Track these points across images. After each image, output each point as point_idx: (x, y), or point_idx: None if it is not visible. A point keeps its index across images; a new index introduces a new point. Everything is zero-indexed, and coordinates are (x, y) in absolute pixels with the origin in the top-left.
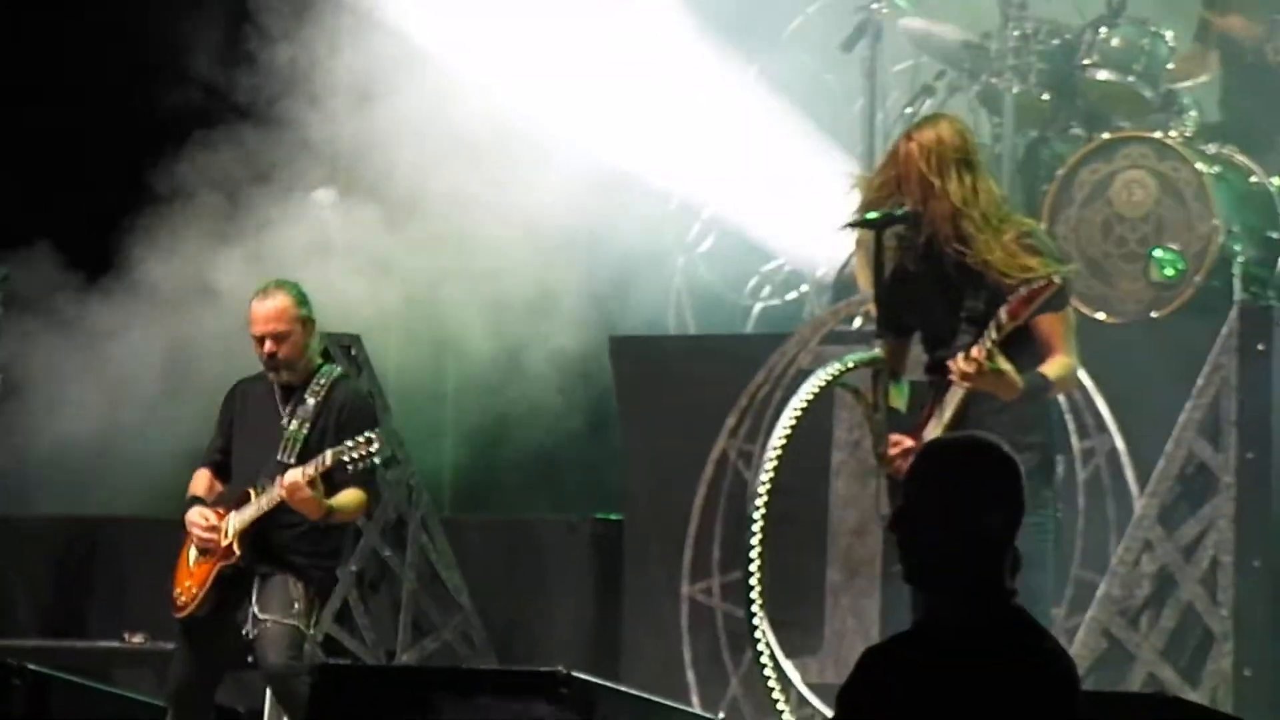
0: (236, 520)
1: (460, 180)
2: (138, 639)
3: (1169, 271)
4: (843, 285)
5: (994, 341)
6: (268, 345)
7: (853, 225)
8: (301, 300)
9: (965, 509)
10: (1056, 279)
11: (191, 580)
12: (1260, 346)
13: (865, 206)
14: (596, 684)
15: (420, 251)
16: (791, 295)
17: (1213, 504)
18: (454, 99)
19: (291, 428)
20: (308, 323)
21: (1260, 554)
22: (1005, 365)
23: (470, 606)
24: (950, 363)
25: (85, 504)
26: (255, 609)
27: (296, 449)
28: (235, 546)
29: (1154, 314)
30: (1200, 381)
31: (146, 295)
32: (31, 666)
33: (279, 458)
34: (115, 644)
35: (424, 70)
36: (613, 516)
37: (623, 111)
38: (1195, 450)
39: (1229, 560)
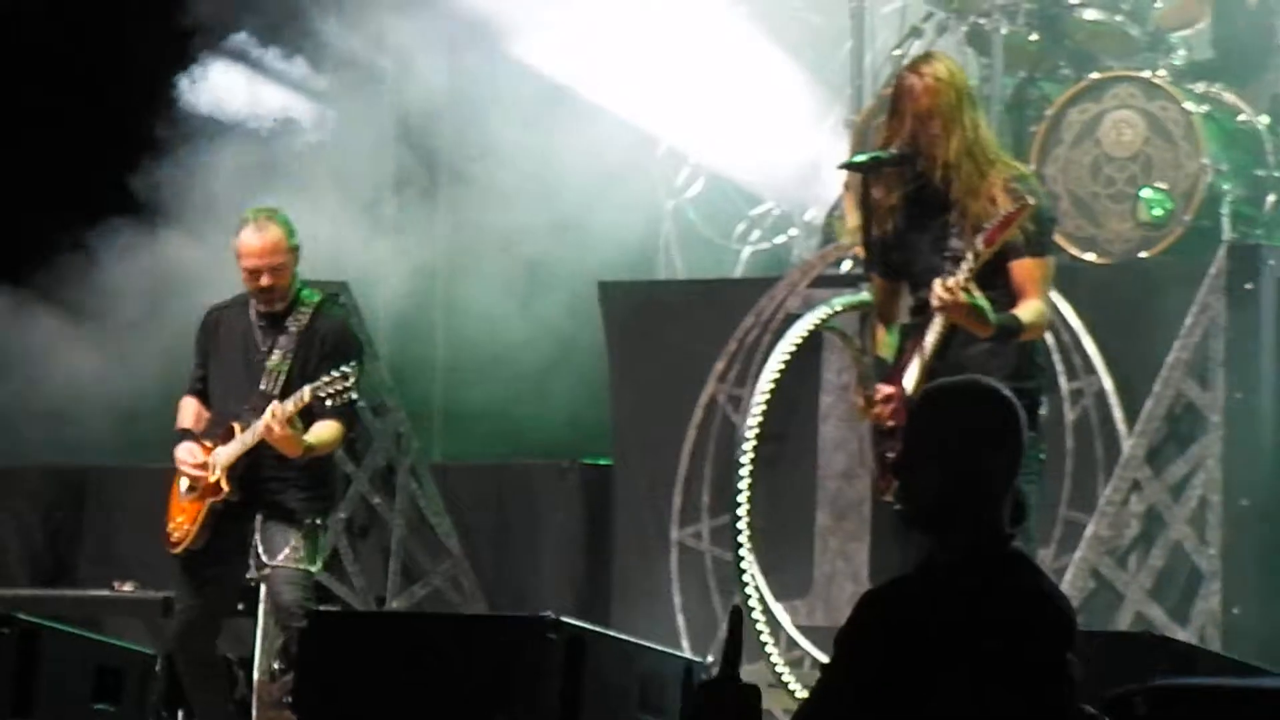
0: (223, 456)
1: (449, 127)
2: (127, 587)
3: (1157, 211)
4: (831, 228)
5: (972, 271)
6: (264, 279)
7: (842, 167)
8: (291, 231)
9: (965, 452)
10: (1031, 200)
11: (184, 516)
12: (1248, 285)
13: (856, 149)
14: (586, 629)
15: (409, 199)
16: (780, 239)
17: (1201, 444)
18: (447, 43)
19: (274, 359)
20: (296, 251)
21: (1248, 493)
22: (981, 300)
23: (460, 552)
24: (933, 286)
25: (73, 452)
26: (262, 554)
27: (280, 381)
28: (223, 483)
29: (1142, 254)
30: (1188, 321)
31: (125, 242)
32: (21, 615)
33: (262, 388)
34: (105, 592)
35: (423, 11)
36: (602, 461)
37: (609, 56)
38: (1183, 390)
39: (1217, 500)
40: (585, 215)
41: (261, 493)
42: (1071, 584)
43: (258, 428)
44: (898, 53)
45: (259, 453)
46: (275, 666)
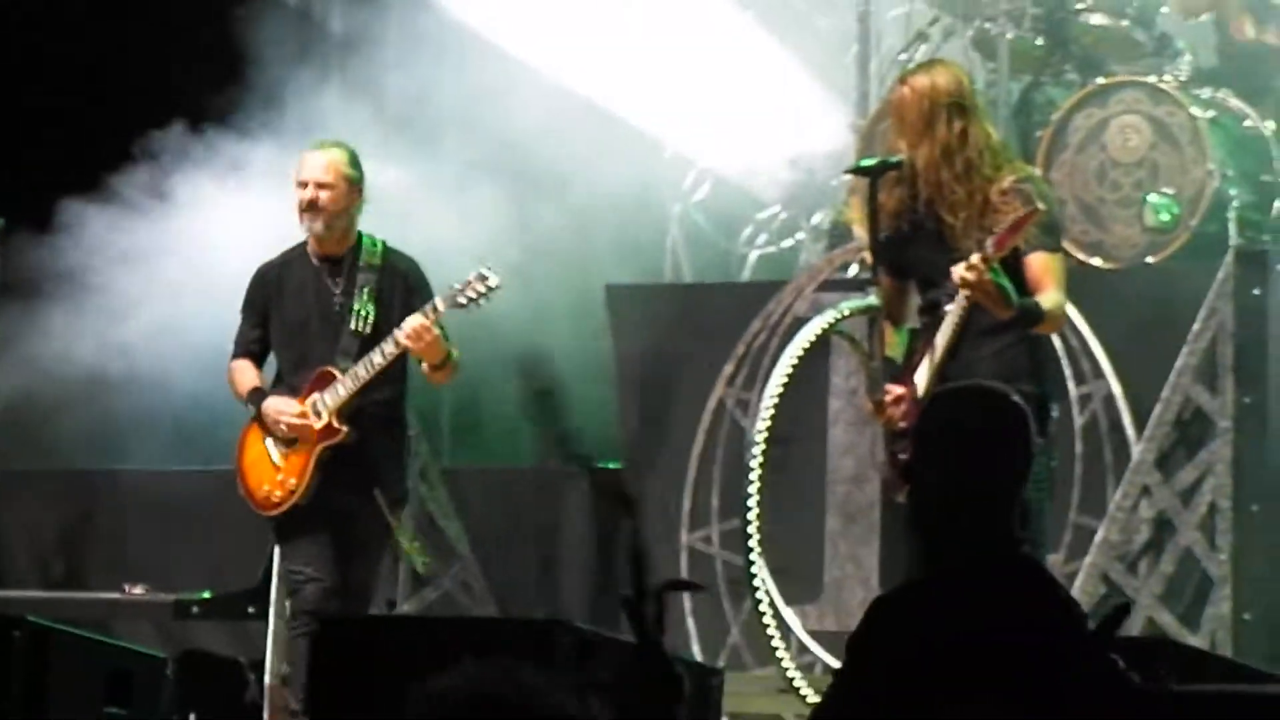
0: (330, 398)
1: (455, 128)
2: (137, 590)
3: (1164, 216)
4: (838, 232)
5: (990, 258)
6: (310, 191)
7: (848, 172)
8: (353, 162)
9: (974, 456)
10: (1041, 205)
11: (284, 473)
12: (1256, 290)
13: (862, 154)
14: (596, 633)
15: (413, 195)
16: (787, 243)
17: (1210, 449)
18: (450, 46)
19: (362, 299)
20: (354, 185)
21: (1258, 498)
22: (1004, 280)
23: (470, 555)
24: (954, 270)
25: (85, 456)
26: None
27: (369, 321)
28: (335, 422)
29: (1149, 259)
30: (1196, 326)
31: (145, 245)
32: (31, 618)
33: (352, 328)
34: (115, 595)
35: (420, 16)
36: (611, 465)
37: (617, 60)
38: (1192, 395)
39: (1227, 505)
40: (592, 219)
41: (370, 451)
42: (1082, 589)
43: (391, 346)
44: (903, 57)
45: (359, 397)
46: (285, 670)
